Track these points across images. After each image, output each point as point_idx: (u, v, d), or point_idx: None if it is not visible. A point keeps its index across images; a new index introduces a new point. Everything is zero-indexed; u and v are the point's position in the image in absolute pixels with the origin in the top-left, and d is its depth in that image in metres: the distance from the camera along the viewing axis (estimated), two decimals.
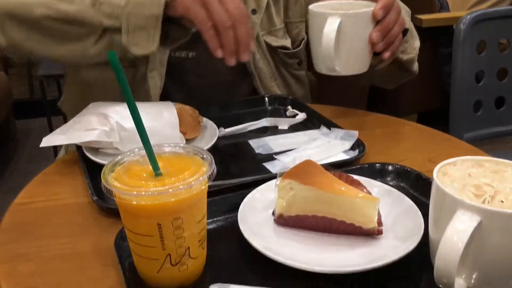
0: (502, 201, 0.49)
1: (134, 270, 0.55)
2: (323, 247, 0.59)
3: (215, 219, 0.65)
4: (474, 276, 0.51)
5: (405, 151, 0.84)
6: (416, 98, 2.40)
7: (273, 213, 0.63)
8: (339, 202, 0.59)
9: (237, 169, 0.82)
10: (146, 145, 0.52)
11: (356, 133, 0.84)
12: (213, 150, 0.80)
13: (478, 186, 0.52)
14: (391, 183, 0.71)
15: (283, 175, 0.62)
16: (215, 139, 0.83)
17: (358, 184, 0.63)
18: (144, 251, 0.52)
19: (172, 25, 0.80)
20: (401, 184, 0.72)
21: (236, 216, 0.62)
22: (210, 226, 0.64)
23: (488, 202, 0.49)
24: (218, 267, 0.57)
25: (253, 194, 0.67)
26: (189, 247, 0.52)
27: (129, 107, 0.51)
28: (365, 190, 0.62)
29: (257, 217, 0.64)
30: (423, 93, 2.37)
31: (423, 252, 0.55)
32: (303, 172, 0.62)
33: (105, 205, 0.67)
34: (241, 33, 0.76)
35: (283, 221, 0.62)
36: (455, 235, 0.47)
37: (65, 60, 0.94)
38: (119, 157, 0.54)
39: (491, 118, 1.44)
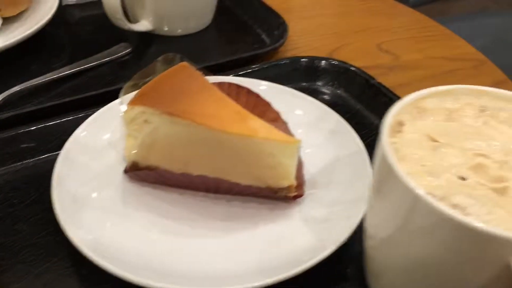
0: None
1: None
2: (201, 229, 0.33)
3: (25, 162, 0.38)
4: None
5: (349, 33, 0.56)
6: None
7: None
8: (232, 146, 0.33)
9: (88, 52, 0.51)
10: None
11: None
12: (56, 25, 0.52)
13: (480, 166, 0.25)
14: (325, 96, 0.45)
15: (132, 99, 0.35)
16: (54, 10, 0.52)
17: (264, 109, 0.36)
18: None
19: None
20: (339, 92, 0.46)
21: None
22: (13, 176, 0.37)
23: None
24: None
25: (89, 123, 0.39)
26: None
27: None
28: (279, 119, 0.36)
29: (97, 166, 0.37)
30: None
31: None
32: (167, 88, 0.35)
33: None
34: None
35: (137, 175, 0.36)
36: None
37: None
38: None
39: None
